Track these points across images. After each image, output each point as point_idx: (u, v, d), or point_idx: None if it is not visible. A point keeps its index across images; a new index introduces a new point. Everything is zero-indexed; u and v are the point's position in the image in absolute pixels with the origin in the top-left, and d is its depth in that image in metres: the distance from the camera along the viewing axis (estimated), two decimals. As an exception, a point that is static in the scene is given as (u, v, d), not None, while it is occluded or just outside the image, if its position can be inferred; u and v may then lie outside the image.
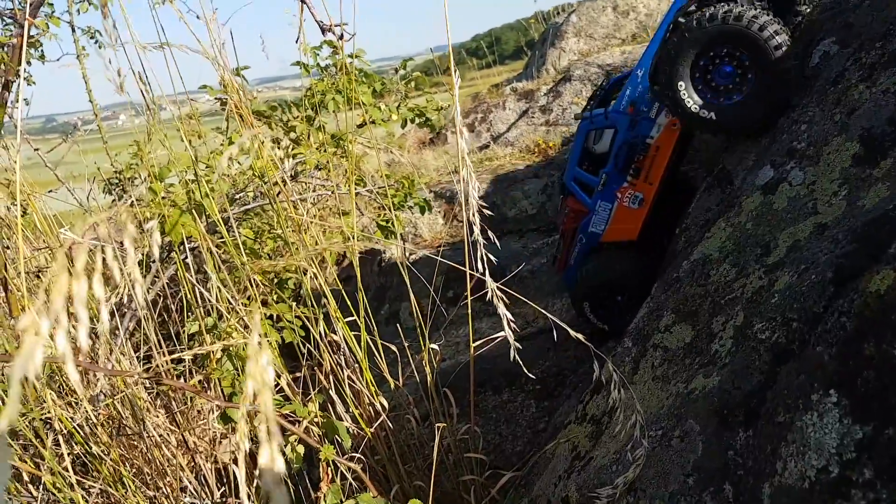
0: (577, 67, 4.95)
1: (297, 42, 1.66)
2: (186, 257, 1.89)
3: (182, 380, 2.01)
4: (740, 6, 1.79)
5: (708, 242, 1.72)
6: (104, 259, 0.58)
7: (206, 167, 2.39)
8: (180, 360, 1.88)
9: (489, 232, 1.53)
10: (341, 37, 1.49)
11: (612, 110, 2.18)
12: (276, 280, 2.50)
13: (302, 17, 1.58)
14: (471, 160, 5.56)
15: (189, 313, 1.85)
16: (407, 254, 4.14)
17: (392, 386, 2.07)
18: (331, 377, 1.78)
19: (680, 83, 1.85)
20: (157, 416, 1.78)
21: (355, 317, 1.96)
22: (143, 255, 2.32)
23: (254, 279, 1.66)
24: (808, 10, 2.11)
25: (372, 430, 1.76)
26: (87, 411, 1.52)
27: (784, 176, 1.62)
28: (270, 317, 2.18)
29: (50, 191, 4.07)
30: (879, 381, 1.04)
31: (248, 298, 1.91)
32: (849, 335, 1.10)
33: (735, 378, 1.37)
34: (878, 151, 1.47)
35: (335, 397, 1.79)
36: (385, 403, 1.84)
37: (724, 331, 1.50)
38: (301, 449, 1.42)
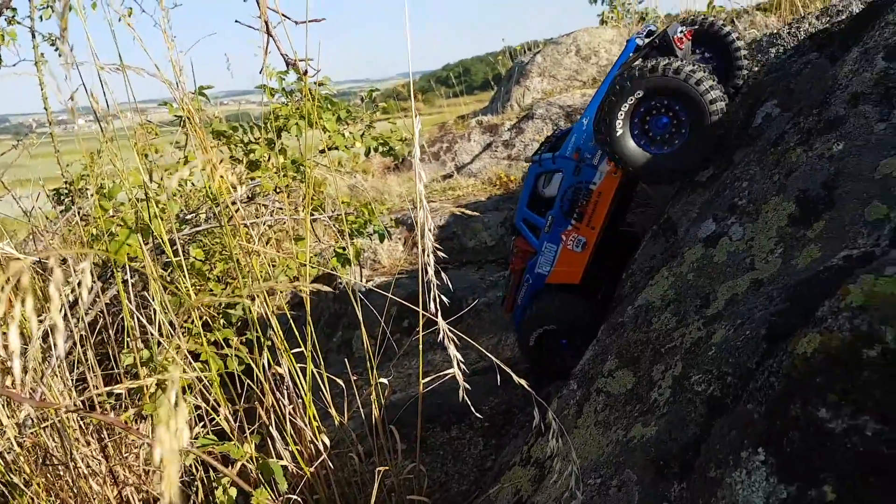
0: (539, 106, 5.06)
1: (260, 73, 1.66)
2: (127, 280, 1.85)
3: (120, 408, 1.95)
4: (680, 62, 1.88)
5: (651, 290, 1.76)
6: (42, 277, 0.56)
7: (158, 186, 2.34)
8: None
9: (443, 274, 1.53)
10: (305, 72, 1.49)
11: (560, 155, 2.26)
12: (221, 304, 2.45)
13: (267, 48, 1.58)
14: (435, 188, 5.55)
15: (128, 338, 1.80)
16: (364, 280, 4.11)
17: (336, 422, 2.04)
18: (272, 412, 1.75)
19: (619, 131, 1.94)
20: (88, 446, 1.71)
21: (302, 348, 1.93)
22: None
23: (197, 308, 1.62)
24: (747, 73, 2.22)
25: (312, 469, 1.73)
26: (10, 439, 1.46)
27: (725, 230, 1.67)
28: (215, 342, 2.14)
29: (-5, 198, 3.94)
30: (804, 441, 1.07)
31: (188, 330, 1.86)
32: (777, 395, 1.13)
33: (672, 429, 1.39)
34: (812, 213, 1.54)
35: (276, 433, 1.76)
36: (327, 441, 1.81)
37: (664, 380, 1.53)
38: (233, 492, 1.38)
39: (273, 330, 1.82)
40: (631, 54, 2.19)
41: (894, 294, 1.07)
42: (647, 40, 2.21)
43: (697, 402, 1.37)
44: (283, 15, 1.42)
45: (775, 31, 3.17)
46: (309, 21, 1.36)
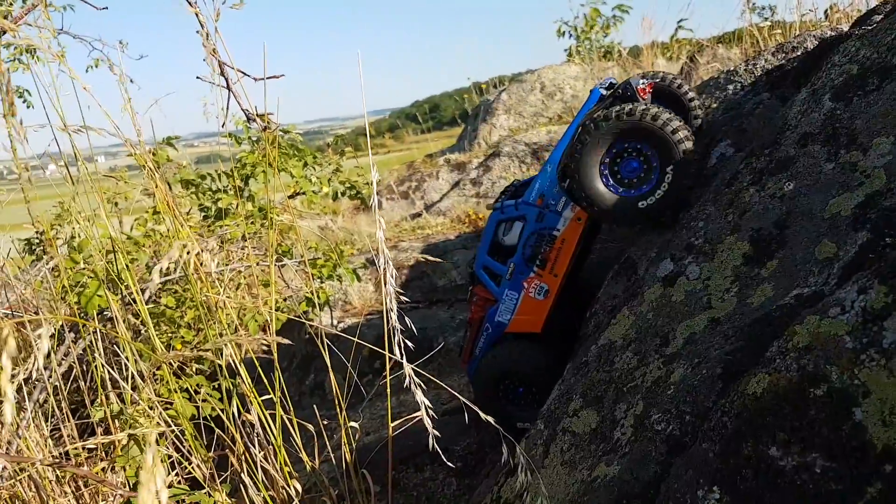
0: (506, 144, 5.16)
1: (222, 126, 1.69)
2: (97, 330, 1.84)
3: (95, 456, 1.92)
4: (647, 105, 1.93)
5: (613, 329, 1.80)
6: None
7: (127, 237, 2.34)
8: (92, 437, 1.80)
9: (406, 319, 1.56)
10: (265, 128, 1.52)
11: (523, 201, 2.25)
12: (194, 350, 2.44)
13: (228, 104, 1.61)
14: (404, 227, 5.58)
15: (101, 390, 1.79)
16: (335, 322, 4.11)
17: (308, 467, 2.03)
18: (243, 459, 1.74)
19: (588, 176, 1.96)
20: (65, 496, 1.69)
21: (271, 394, 1.93)
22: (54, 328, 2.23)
23: (167, 360, 1.62)
24: (701, 123, 2.28)
25: (284, 515, 1.72)
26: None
27: (682, 270, 1.73)
28: (187, 388, 2.12)
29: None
30: (756, 479, 1.11)
31: (159, 378, 1.86)
32: (730, 434, 1.17)
33: (633, 467, 1.42)
34: (765, 252, 1.60)
35: (248, 479, 1.75)
36: (299, 487, 1.81)
37: (626, 418, 1.56)
38: (202, 543, 1.37)
39: (241, 378, 1.82)
40: (594, 104, 2.22)
41: (837, 335, 1.13)
42: (608, 91, 2.25)
43: (658, 440, 1.41)
44: (241, 72, 1.46)
45: (732, 69, 3.30)
46: (267, 78, 1.40)
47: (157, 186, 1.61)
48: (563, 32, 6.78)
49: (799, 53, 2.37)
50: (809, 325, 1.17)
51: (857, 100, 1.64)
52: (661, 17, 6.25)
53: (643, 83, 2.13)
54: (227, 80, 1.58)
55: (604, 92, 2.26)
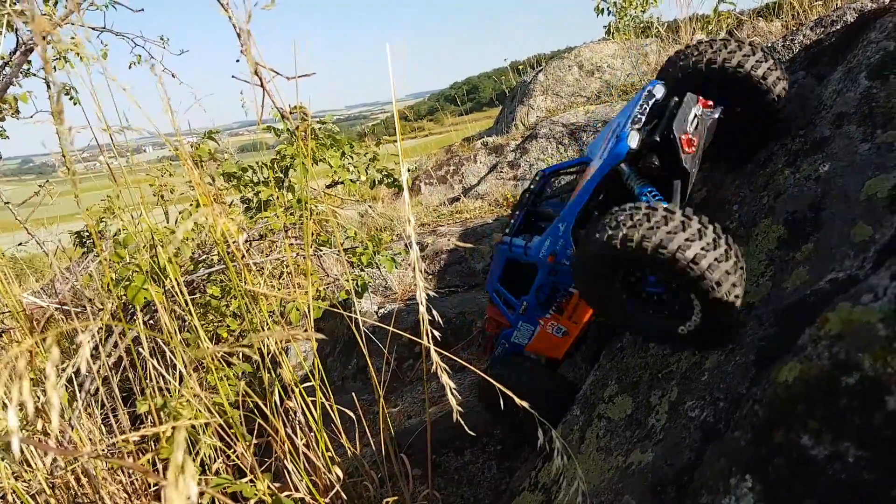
0: (542, 125, 5.12)
1: (259, 123, 1.74)
2: (141, 321, 1.93)
3: (146, 449, 2.03)
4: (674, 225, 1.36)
5: (649, 316, 1.79)
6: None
7: (171, 232, 2.43)
8: (140, 428, 1.90)
9: (435, 310, 1.58)
10: (303, 119, 1.57)
11: (533, 249, 1.94)
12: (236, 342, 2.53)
13: (263, 102, 1.66)
14: (443, 212, 5.61)
15: (145, 380, 1.88)
16: (376, 308, 4.18)
17: (350, 452, 2.10)
18: (285, 446, 1.81)
19: (611, 304, 1.57)
20: (118, 485, 1.79)
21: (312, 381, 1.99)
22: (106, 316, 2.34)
23: (208, 354, 1.70)
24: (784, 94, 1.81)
25: (327, 500, 1.78)
26: (41, 481, 1.54)
27: (717, 255, 1.71)
28: (235, 374, 2.21)
29: (20, 244, 4.08)
30: (788, 468, 1.10)
31: (206, 367, 1.94)
32: (761, 422, 1.17)
33: (668, 454, 1.43)
34: (800, 235, 1.57)
35: (290, 466, 1.82)
36: (340, 473, 1.87)
37: (661, 405, 1.56)
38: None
39: (281, 366, 1.89)
40: (618, 160, 1.67)
41: (870, 322, 1.11)
42: (647, 110, 1.71)
43: (692, 427, 1.41)
44: (274, 71, 1.50)
45: (770, 45, 3.20)
46: (299, 77, 1.43)
47: (198, 183, 1.67)
48: (602, 10, 6.66)
49: (838, 27, 2.29)
50: (841, 313, 1.15)
51: (893, 78, 1.59)
52: (701, -11, 6.07)
53: (690, 126, 1.63)
54: (260, 79, 1.62)
55: (633, 140, 1.66)
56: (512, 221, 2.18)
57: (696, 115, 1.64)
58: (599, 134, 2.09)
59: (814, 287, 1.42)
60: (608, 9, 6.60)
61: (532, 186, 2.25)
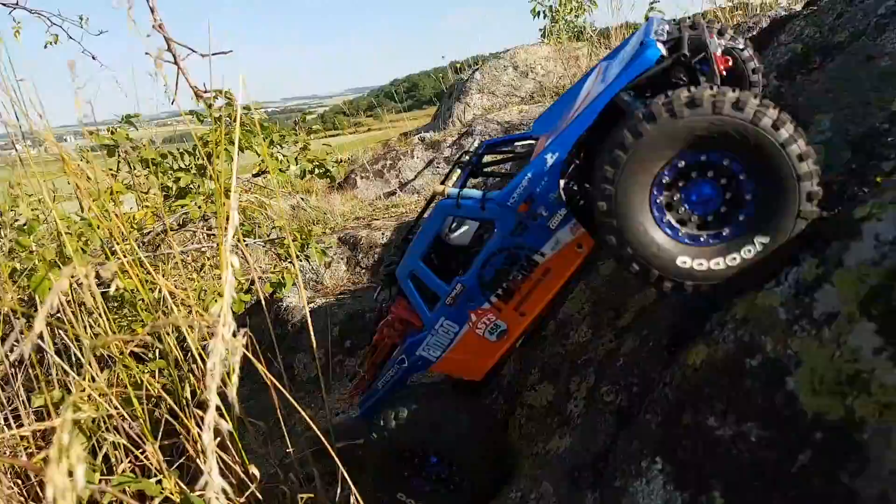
0: (478, 123, 5.15)
1: (172, 103, 1.66)
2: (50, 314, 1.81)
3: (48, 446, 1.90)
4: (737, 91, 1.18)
5: (569, 304, 1.81)
6: None
7: (82, 220, 2.30)
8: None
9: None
10: (210, 105, 1.50)
11: (494, 199, 1.49)
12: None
13: (178, 81, 1.59)
14: (378, 206, 5.55)
15: (44, 376, 1.77)
16: (305, 302, 4.09)
17: (270, 452, 2.04)
18: (199, 444, 1.73)
19: (630, 216, 1.21)
20: (11, 489, 1.68)
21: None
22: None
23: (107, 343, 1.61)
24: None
25: (242, 500, 1.71)
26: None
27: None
28: (150, 372, 2.11)
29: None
30: (696, 449, 1.12)
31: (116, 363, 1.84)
32: (671, 405, 1.19)
33: (584, 439, 1.44)
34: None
35: (203, 466, 1.74)
36: (256, 472, 1.80)
37: (579, 391, 1.58)
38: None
39: (197, 364, 1.81)
40: (646, 66, 1.35)
41: (772, 306, 1.14)
42: (667, 46, 1.39)
43: (607, 412, 1.43)
44: (187, 48, 1.43)
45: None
46: (213, 54, 1.37)
47: (116, 168, 1.58)
48: (539, 13, 6.75)
49: (755, 34, 2.39)
50: (747, 297, 1.19)
51: (800, 77, 1.65)
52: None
53: (719, 45, 1.40)
54: (174, 55, 1.54)
55: (661, 48, 1.37)
56: (455, 177, 1.76)
57: (717, 43, 1.44)
58: (548, 109, 1.82)
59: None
60: (544, 12, 6.69)
61: (474, 149, 1.92)
